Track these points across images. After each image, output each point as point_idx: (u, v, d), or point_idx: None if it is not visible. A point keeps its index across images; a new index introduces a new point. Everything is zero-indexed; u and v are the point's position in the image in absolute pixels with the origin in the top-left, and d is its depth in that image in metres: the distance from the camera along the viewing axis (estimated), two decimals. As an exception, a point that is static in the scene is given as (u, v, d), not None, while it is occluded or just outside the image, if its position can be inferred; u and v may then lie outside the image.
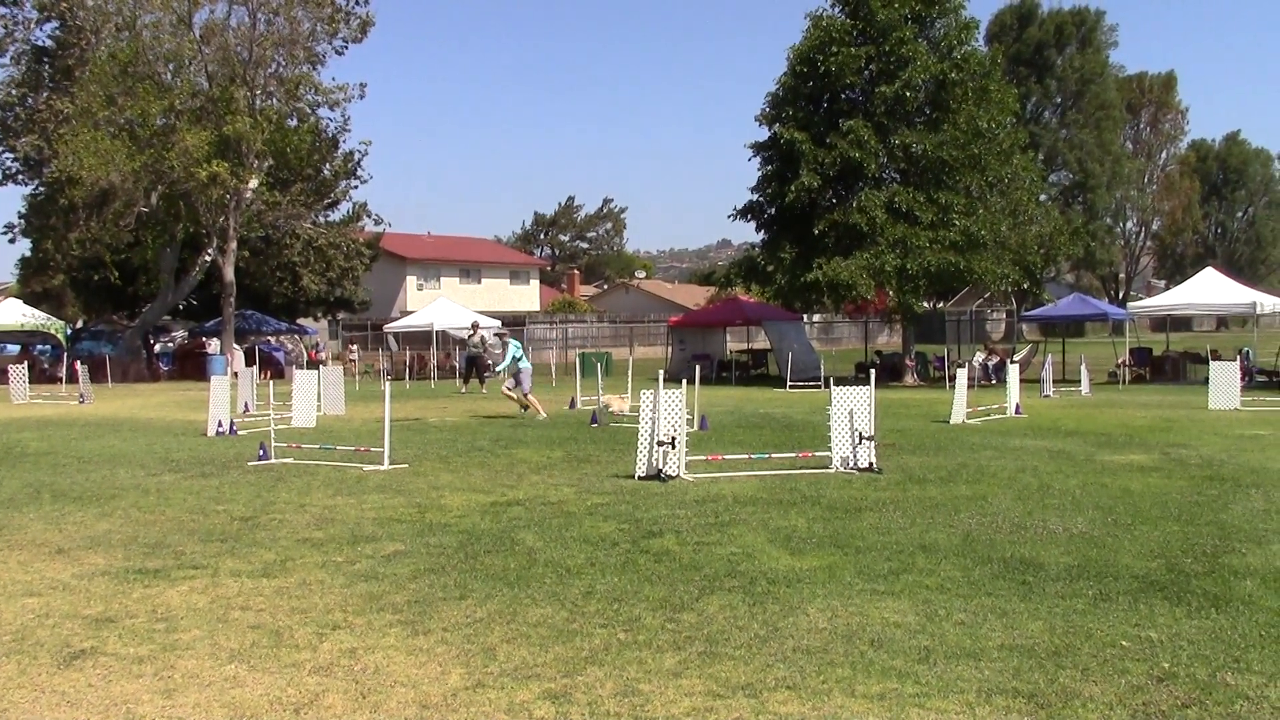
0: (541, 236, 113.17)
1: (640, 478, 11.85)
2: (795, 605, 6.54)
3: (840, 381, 15.77)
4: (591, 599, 6.72)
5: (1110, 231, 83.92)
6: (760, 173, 35.54)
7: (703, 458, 12.81)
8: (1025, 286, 35.27)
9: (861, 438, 12.41)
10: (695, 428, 16.88)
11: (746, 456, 13.16)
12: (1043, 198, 44.31)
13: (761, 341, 44.76)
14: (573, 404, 23.30)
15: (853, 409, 12.49)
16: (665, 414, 11.92)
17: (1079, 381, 26.47)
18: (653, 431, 11.93)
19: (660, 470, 11.83)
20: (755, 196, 35.88)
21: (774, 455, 13.17)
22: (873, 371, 14.24)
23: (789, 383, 30.18)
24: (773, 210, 35.30)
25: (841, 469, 12.36)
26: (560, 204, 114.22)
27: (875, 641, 5.79)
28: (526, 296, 74.79)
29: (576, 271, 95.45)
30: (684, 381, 13.17)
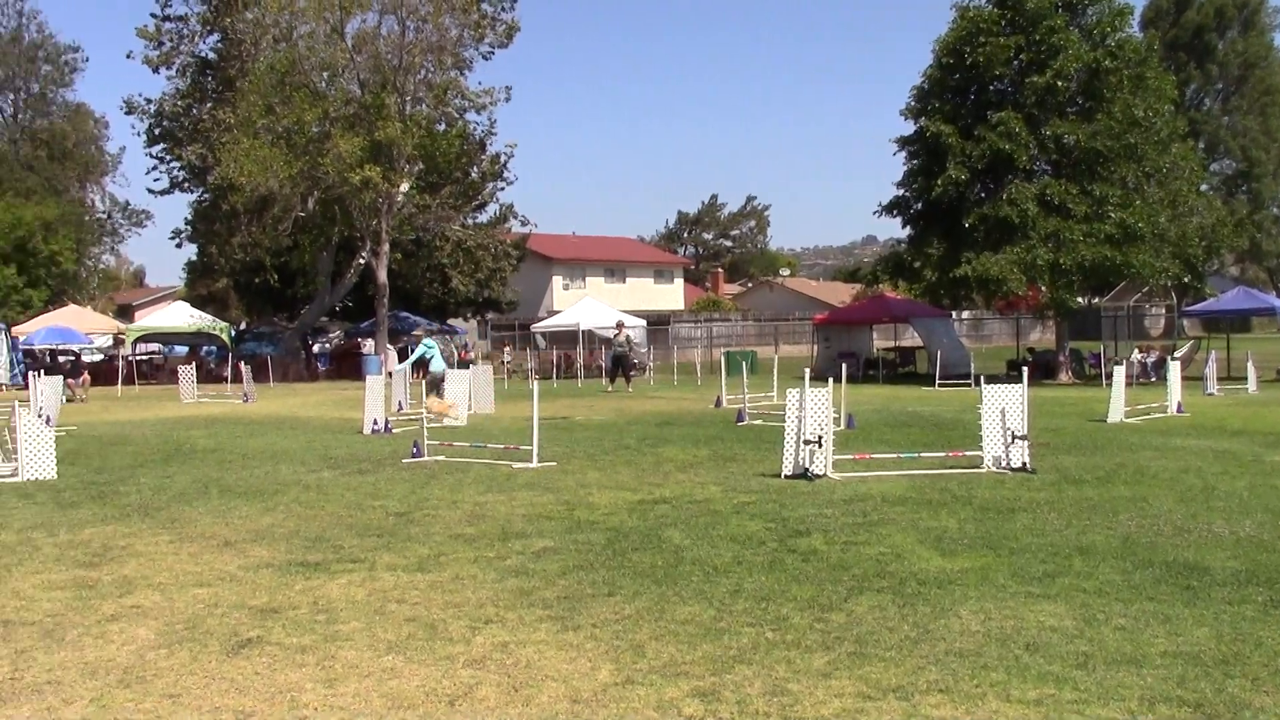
0: (685, 235, 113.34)
1: (787, 476, 11.79)
2: (947, 607, 6.43)
3: (991, 379, 15.43)
4: (739, 597, 6.71)
5: (1278, 222, 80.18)
6: (906, 167, 34.99)
7: (850, 456, 12.68)
8: (1186, 280, 34.01)
9: (1014, 437, 12.12)
10: (842, 426, 16.71)
11: (895, 456, 12.98)
12: (1204, 188, 42.60)
13: (909, 339, 44.13)
14: (718, 403, 23.29)
15: (1005, 407, 12.21)
16: (811, 413, 11.83)
17: (1245, 379, 25.39)
18: (799, 430, 11.86)
19: (807, 469, 11.75)
20: (901, 191, 35.34)
21: (923, 454, 12.95)
22: (1025, 369, 13.88)
23: (938, 381, 29.66)
24: (919, 205, 34.71)
25: (993, 469, 12.10)
26: (704, 202, 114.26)
27: (1031, 645, 5.65)
28: (671, 295, 75.01)
29: (720, 270, 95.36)
30: (830, 380, 13.05)
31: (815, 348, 40.17)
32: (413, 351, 21.50)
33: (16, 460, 13.00)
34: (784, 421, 12.20)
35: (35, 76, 61.75)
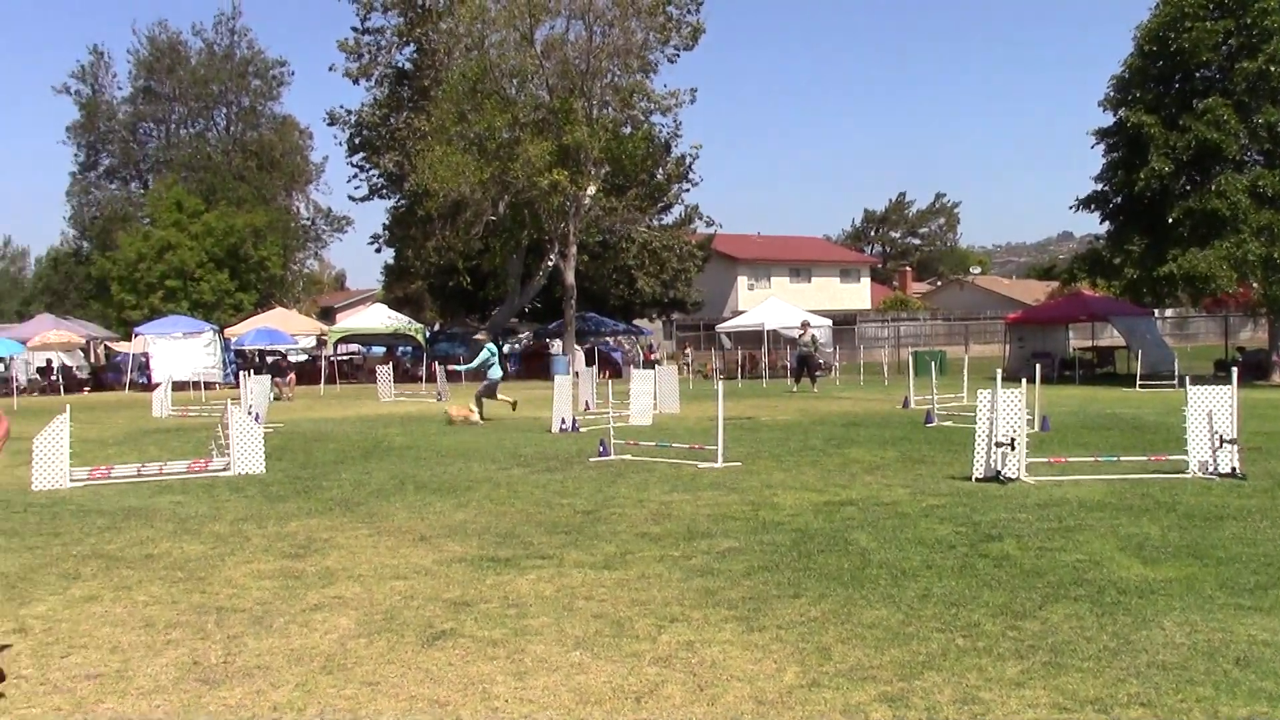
0: (872, 234, 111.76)
1: (977, 480, 11.50)
2: (1149, 618, 6.16)
3: (1197, 380, 14.73)
4: (928, 602, 6.58)
5: None
6: (1105, 160, 33.72)
7: (1044, 460, 12.28)
8: None
9: (1223, 440, 11.54)
10: (1036, 428, 16.19)
11: (1092, 459, 12.50)
12: None
13: (1107, 338, 42.49)
14: (906, 404, 22.88)
15: (1212, 410, 11.64)
16: (1004, 414, 11.51)
17: None
18: (990, 432, 11.56)
19: (999, 472, 11.44)
20: (1099, 185, 34.09)
21: (1123, 458, 12.43)
22: (1234, 369, 13.18)
23: (1139, 381, 28.48)
24: (1119, 199, 33.41)
25: (1200, 474, 11.54)
26: (891, 200, 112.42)
27: (1241, 660, 5.37)
28: (857, 295, 74.03)
29: (908, 268, 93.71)
30: (1023, 380, 12.66)
31: (1008, 347, 39.08)
32: (479, 352, 21.71)
33: (229, 455, 13.72)
34: (974, 423, 11.91)
35: (246, 91, 64.91)
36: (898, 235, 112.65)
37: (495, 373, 21.78)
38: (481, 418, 20.77)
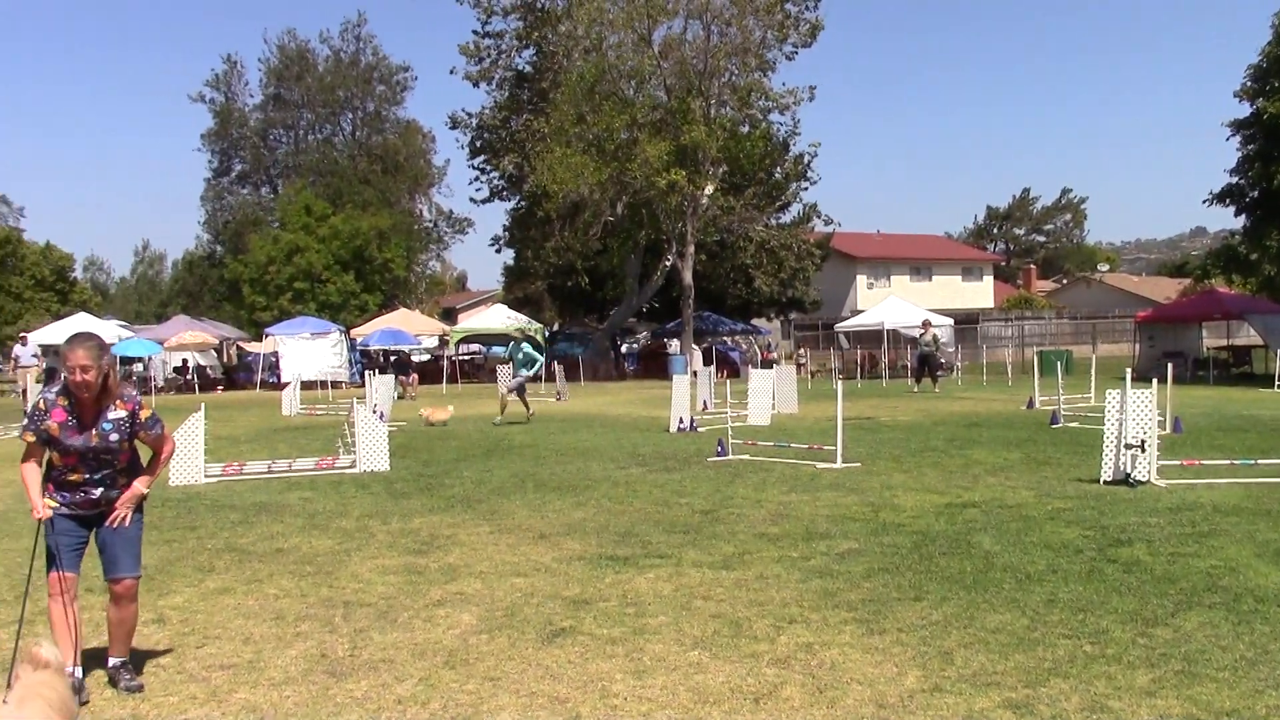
0: (995, 231, 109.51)
1: (1106, 483, 11.21)
2: (1289, 627, 5.94)
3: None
4: (1054, 607, 6.43)
5: None
6: (1240, 153, 32.58)
7: (1176, 462, 11.90)
8: None
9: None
10: (1167, 430, 15.71)
11: (1228, 462, 12.09)
12: None
13: (1243, 337, 41.00)
14: (1030, 404, 22.39)
15: (1357, 411, 11.16)
16: (1133, 415, 11.20)
17: None
18: (1119, 434, 11.25)
19: (1128, 475, 11.13)
20: (1235, 179, 32.93)
21: (1260, 461, 11.98)
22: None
23: (1278, 382, 27.43)
24: (1256, 193, 32.24)
25: (1343, 478, 11.07)
26: (1014, 196, 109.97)
27: (1388, 673, 5.14)
28: (980, 293, 72.66)
29: (1033, 266, 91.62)
30: (1154, 380, 12.29)
31: (1137, 347, 37.97)
32: (520, 351, 21.61)
33: (355, 453, 14.04)
34: (1102, 424, 11.61)
35: (371, 96, 66.39)
36: (1022, 232, 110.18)
37: (525, 371, 21.88)
38: (528, 414, 21.54)
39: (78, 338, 5.32)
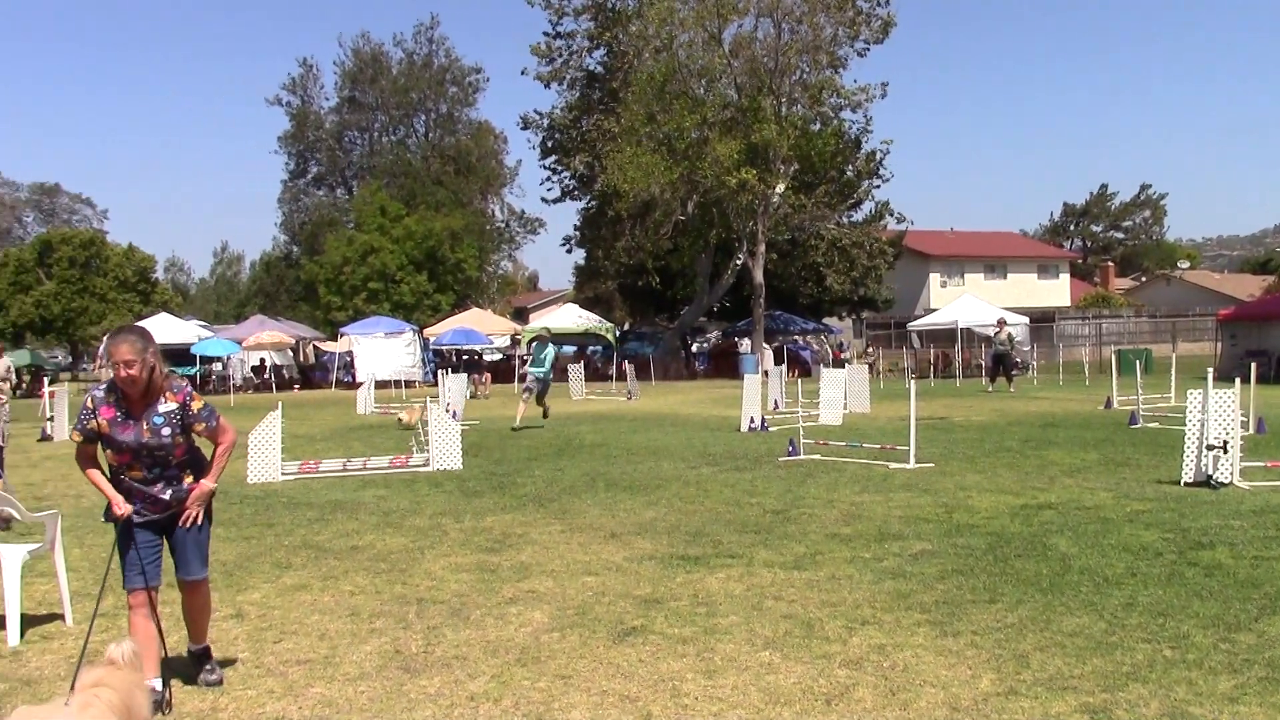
0: (1071, 228, 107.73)
1: (1186, 484, 10.99)
2: (1378, 633, 5.78)
3: None
4: (1133, 611, 6.32)
5: None
6: (1329, 146, 31.70)
7: (1260, 464, 11.64)
8: None
9: None
10: (1250, 431, 15.37)
11: (1314, 464, 11.80)
12: None
13: (1331, 335, 39.98)
14: (1108, 404, 22.02)
15: None
16: (1216, 415, 10.97)
17: None
18: (1201, 434, 11.03)
19: (1210, 476, 10.90)
20: (1322, 173, 32.04)
21: (1348, 463, 11.69)
22: None
23: (1366, 381, 26.70)
24: (1345, 187, 31.35)
25: None
26: (1092, 192, 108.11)
27: None
28: (1056, 291, 71.55)
29: (1111, 263, 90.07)
30: (1237, 380, 12.02)
31: (1219, 345, 37.17)
32: (538, 353, 21.06)
33: (429, 451, 14.18)
34: (1183, 425, 11.38)
35: (444, 98, 67.06)
36: (1099, 229, 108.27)
37: (535, 371, 20.97)
38: (545, 415, 20.88)
39: (120, 332, 5.19)
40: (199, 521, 5.40)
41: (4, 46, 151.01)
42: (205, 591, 5.58)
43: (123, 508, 5.27)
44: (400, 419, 21.02)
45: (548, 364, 20.79)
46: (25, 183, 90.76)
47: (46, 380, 28.49)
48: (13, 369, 15.50)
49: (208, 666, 5.48)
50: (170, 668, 5.45)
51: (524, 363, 20.88)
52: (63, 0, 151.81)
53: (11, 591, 6.38)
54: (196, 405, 5.34)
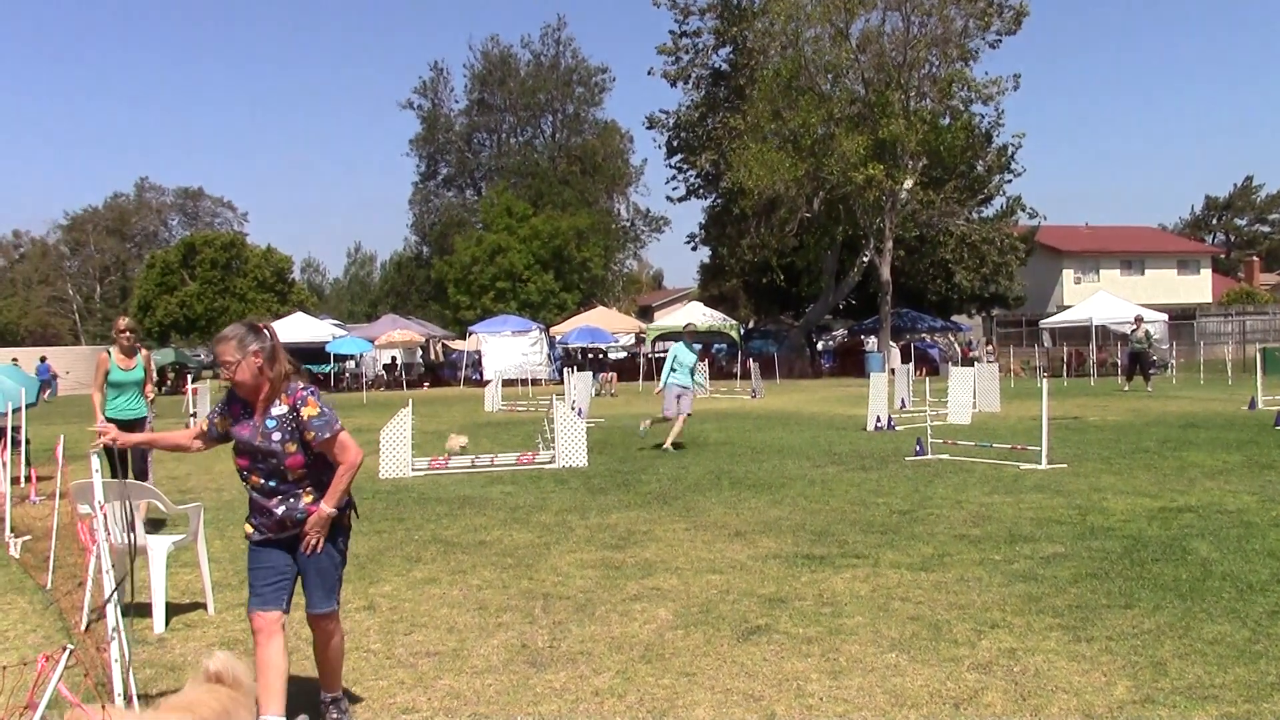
0: (1214, 221, 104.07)
1: (1337, 488, 10.54)
2: None
3: None
4: (1278, 619, 6.08)
5: None
6: None
7: None
8: None
9: None
10: None
11: None
12: None
13: None
14: (1252, 404, 21.22)
15: None
16: (1369, 417, 10.50)
17: None
18: (1353, 436, 10.57)
19: (1363, 480, 10.43)
20: None
21: None
22: None
23: None
24: None
25: None
26: (1236, 185, 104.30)
27: None
28: (1196, 287, 69.20)
29: (1256, 258, 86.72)
30: (1393, 380, 11.49)
31: (1373, 343, 35.57)
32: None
33: (554, 448, 14.33)
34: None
35: (570, 99, 67.80)
36: (1243, 223, 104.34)
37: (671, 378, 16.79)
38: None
39: (223, 332, 4.88)
40: (318, 549, 4.86)
41: (152, 58, 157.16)
42: (330, 629, 4.96)
43: (101, 427, 5.19)
44: (448, 448, 16.82)
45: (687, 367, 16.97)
46: (170, 187, 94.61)
47: (190, 378, 29.58)
48: (155, 367, 16.12)
49: (335, 711, 5.01)
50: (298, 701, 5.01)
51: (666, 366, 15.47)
52: (204, 8, 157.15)
53: (158, 581, 6.64)
54: (309, 412, 4.80)
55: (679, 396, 16.48)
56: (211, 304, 58.74)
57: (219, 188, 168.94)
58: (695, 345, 17.85)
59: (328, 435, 4.79)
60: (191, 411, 20.60)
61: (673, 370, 16.59)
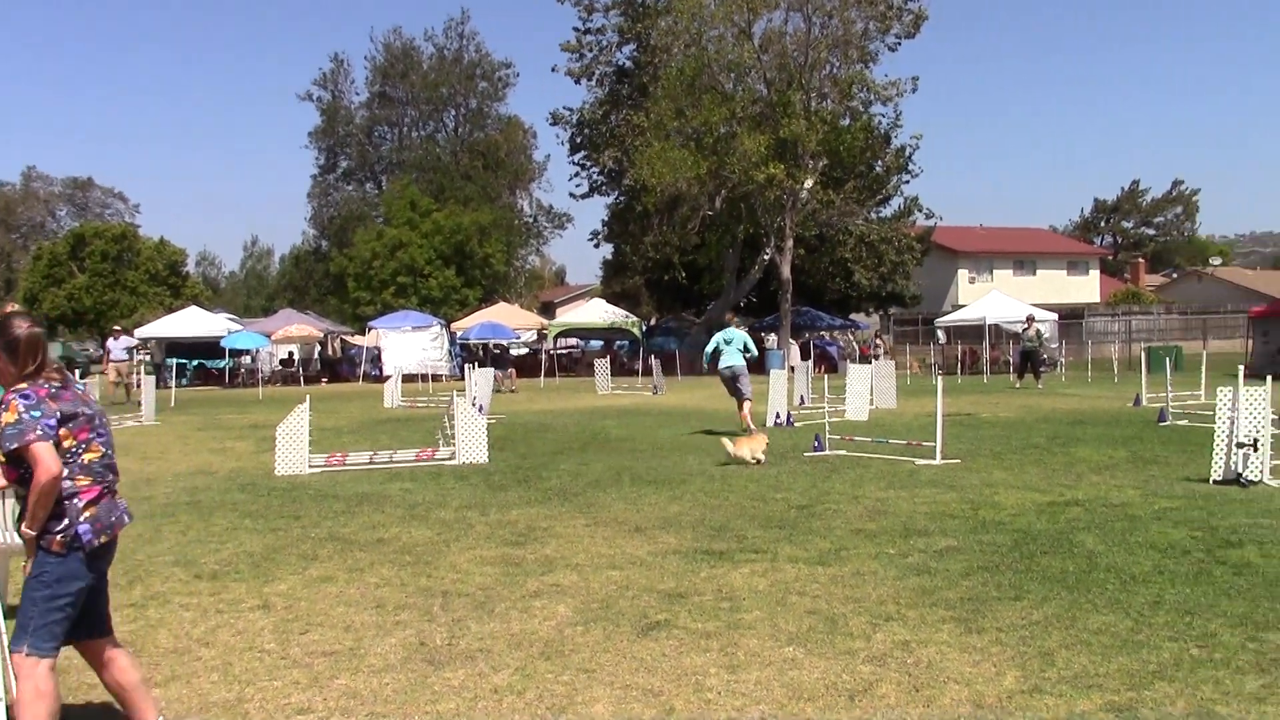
0: (1102, 224, 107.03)
1: (1216, 482, 10.90)
2: None
3: None
4: (1159, 610, 6.28)
5: None
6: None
7: (1291, 462, 11.55)
8: None
9: None
10: (1282, 429, 15.23)
11: (1346, 463, 11.69)
12: None
13: (1365, 333, 39.61)
14: (1137, 401, 21.87)
15: None
16: (1246, 413, 10.87)
17: None
18: (1231, 432, 10.94)
19: (1240, 475, 10.81)
20: (1357, 169, 31.71)
21: (1381, 462, 11.55)
22: None
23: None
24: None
25: None
26: (1123, 188, 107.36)
27: None
28: (1085, 287, 71.10)
29: (1141, 260, 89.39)
30: (1268, 378, 11.91)
31: (1251, 343, 36.87)
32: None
33: (455, 445, 14.22)
34: (1213, 423, 11.29)
35: (473, 93, 67.23)
36: (1130, 225, 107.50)
37: (723, 359, 17.42)
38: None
39: None
40: (28, 572, 4.22)
41: (38, 43, 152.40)
42: (20, 673, 4.15)
43: None
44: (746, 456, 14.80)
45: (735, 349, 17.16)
46: (59, 177, 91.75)
47: (78, 373, 28.78)
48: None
49: None
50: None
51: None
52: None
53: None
54: (7, 418, 4.11)
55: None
56: (101, 297, 57.24)
57: (110, 178, 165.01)
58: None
59: (14, 446, 4.08)
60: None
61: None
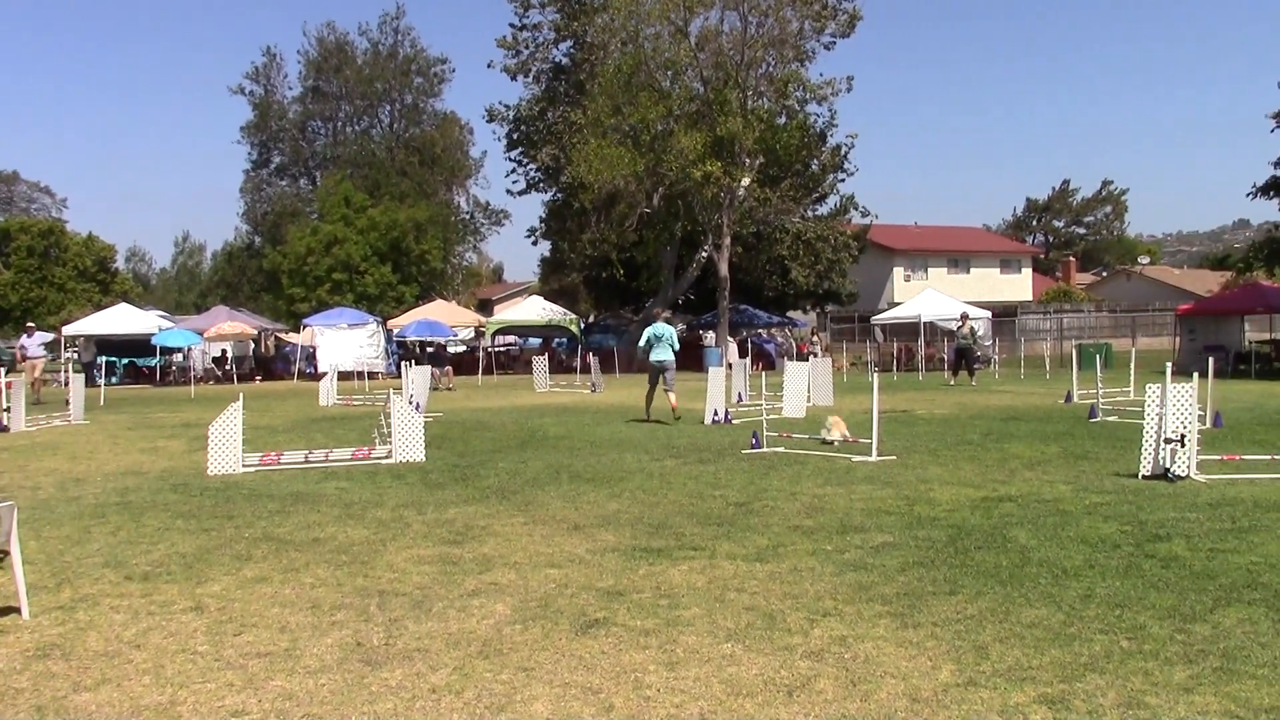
0: (1034, 223, 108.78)
1: (1144, 477, 11.10)
2: (1330, 624, 5.86)
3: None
4: (1090, 603, 6.38)
5: None
6: (1286, 144, 32.16)
7: (1217, 457, 11.80)
8: None
9: None
10: (1208, 425, 15.55)
11: (1269, 457, 11.96)
12: None
13: (1287, 331, 40.57)
14: (1068, 398, 22.22)
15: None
16: (1174, 409, 11.08)
17: None
18: (1159, 428, 11.14)
19: (1168, 470, 11.02)
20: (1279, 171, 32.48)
21: (1303, 457, 11.85)
22: None
23: (1321, 376, 27.07)
24: (1301, 185, 31.79)
25: (1388, 474, 10.91)
26: (1054, 188, 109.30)
27: None
28: (1018, 286, 72.19)
29: (1072, 259, 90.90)
30: (1194, 374, 12.16)
31: (1178, 340, 37.60)
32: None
33: (391, 443, 14.11)
34: (1142, 419, 11.50)
35: (409, 88, 66.69)
36: (1061, 224, 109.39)
37: (656, 354, 19.34)
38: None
39: None
40: None
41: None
42: None
43: None
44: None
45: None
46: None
47: (3, 371, 28.19)
48: None
49: None
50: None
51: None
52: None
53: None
54: None
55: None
56: (27, 294, 56.13)
57: (35, 172, 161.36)
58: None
59: None
60: (5, 406, 19.62)
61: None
